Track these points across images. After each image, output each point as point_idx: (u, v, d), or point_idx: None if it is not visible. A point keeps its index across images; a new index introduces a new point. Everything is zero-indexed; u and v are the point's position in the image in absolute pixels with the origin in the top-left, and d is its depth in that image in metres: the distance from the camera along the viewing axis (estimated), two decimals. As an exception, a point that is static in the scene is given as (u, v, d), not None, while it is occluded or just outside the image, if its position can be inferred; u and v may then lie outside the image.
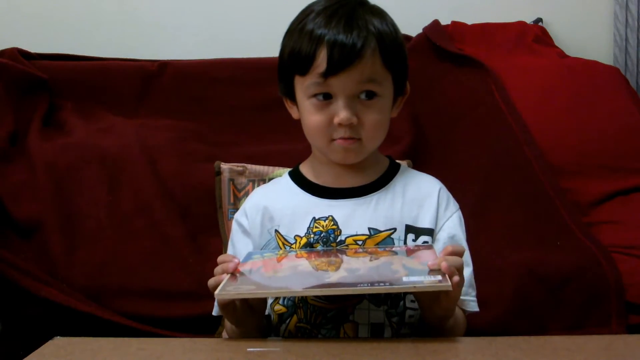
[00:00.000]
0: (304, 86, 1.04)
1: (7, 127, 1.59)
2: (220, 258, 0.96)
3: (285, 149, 1.57)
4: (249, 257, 0.98)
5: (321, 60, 1.01)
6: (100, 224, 1.46)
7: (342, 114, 1.01)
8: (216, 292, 0.87)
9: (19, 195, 1.48)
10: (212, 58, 1.84)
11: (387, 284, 0.85)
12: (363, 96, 1.03)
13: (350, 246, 1.00)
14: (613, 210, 1.55)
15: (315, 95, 1.04)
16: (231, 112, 1.75)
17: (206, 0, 2.00)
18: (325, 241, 1.01)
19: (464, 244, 1.10)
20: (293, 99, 1.09)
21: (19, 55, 1.75)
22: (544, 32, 1.93)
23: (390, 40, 1.05)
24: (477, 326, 1.08)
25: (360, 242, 1.01)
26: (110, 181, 1.53)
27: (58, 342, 0.91)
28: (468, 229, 1.19)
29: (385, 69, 1.04)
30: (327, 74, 1.01)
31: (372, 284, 0.85)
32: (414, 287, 0.86)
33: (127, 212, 1.48)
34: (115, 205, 1.49)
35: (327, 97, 1.03)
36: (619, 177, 1.60)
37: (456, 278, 0.88)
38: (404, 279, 0.87)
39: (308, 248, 1.01)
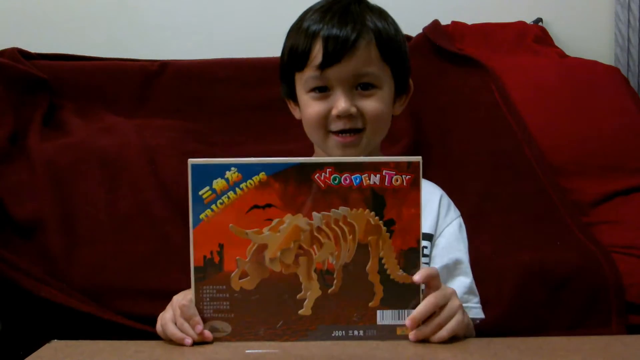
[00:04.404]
0: (302, 81, 1.07)
1: (7, 127, 1.59)
2: (181, 310, 0.91)
3: (285, 149, 1.57)
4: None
5: (316, 53, 1.05)
6: (100, 224, 1.45)
7: (340, 104, 1.04)
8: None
9: (19, 195, 1.47)
10: (212, 58, 1.84)
11: (361, 332, 0.89)
12: (361, 88, 1.06)
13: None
14: (613, 210, 1.55)
15: (313, 89, 1.06)
16: (231, 112, 1.75)
17: (206, 0, 2.00)
18: None
19: (462, 255, 1.11)
20: (295, 99, 1.11)
21: (19, 55, 1.74)
22: (544, 32, 1.92)
23: (387, 35, 1.08)
24: (476, 326, 1.08)
25: None
26: (110, 181, 1.52)
27: (55, 345, 0.91)
28: (468, 229, 1.20)
29: (382, 62, 1.06)
30: (323, 66, 1.04)
31: (346, 331, 0.89)
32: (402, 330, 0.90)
33: (127, 212, 1.48)
34: (115, 205, 1.49)
35: (325, 89, 1.06)
36: (619, 177, 1.60)
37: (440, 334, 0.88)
38: (378, 317, 0.89)
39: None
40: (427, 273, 0.89)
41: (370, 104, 1.06)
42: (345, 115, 1.04)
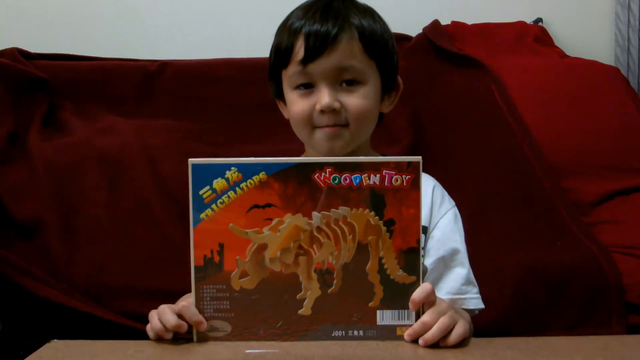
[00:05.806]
0: (287, 77, 1.08)
1: (7, 127, 1.59)
2: (181, 311, 0.91)
3: (285, 149, 1.56)
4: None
5: (299, 49, 1.06)
6: (100, 224, 1.46)
7: (323, 99, 1.05)
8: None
9: (19, 195, 1.47)
10: (212, 58, 1.84)
11: (361, 332, 0.89)
12: (345, 83, 1.06)
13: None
14: (613, 210, 1.55)
15: (298, 86, 1.07)
16: (231, 112, 1.75)
17: (206, 0, 2.01)
18: None
19: (458, 245, 1.11)
20: (284, 99, 1.12)
21: (19, 55, 1.74)
22: (544, 32, 1.92)
23: (370, 30, 1.08)
24: (477, 326, 1.08)
25: None
26: (110, 181, 1.52)
27: (55, 344, 0.91)
28: (468, 229, 1.20)
29: (366, 56, 1.07)
30: (305, 61, 1.05)
31: (345, 331, 0.89)
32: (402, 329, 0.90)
33: (127, 212, 1.48)
34: (115, 205, 1.49)
35: (309, 86, 1.07)
36: (619, 177, 1.60)
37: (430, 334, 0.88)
38: (378, 318, 0.89)
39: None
40: (419, 298, 0.89)
41: (354, 100, 1.06)
42: (328, 111, 1.05)
